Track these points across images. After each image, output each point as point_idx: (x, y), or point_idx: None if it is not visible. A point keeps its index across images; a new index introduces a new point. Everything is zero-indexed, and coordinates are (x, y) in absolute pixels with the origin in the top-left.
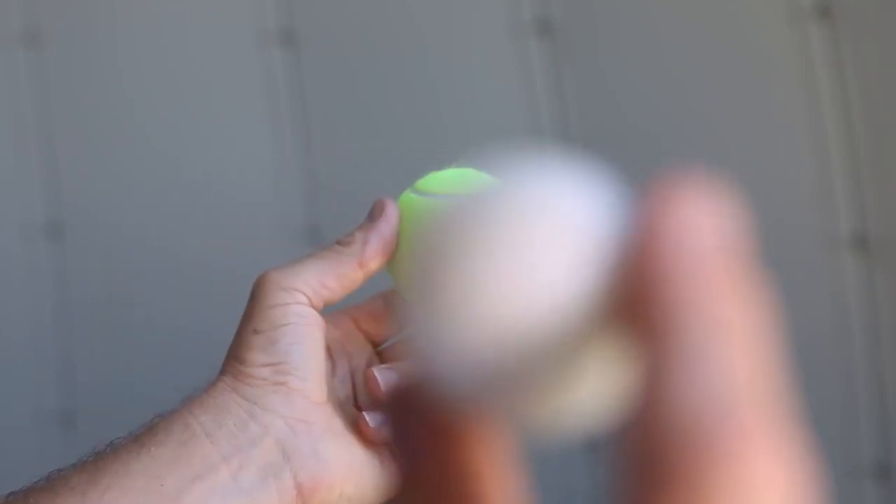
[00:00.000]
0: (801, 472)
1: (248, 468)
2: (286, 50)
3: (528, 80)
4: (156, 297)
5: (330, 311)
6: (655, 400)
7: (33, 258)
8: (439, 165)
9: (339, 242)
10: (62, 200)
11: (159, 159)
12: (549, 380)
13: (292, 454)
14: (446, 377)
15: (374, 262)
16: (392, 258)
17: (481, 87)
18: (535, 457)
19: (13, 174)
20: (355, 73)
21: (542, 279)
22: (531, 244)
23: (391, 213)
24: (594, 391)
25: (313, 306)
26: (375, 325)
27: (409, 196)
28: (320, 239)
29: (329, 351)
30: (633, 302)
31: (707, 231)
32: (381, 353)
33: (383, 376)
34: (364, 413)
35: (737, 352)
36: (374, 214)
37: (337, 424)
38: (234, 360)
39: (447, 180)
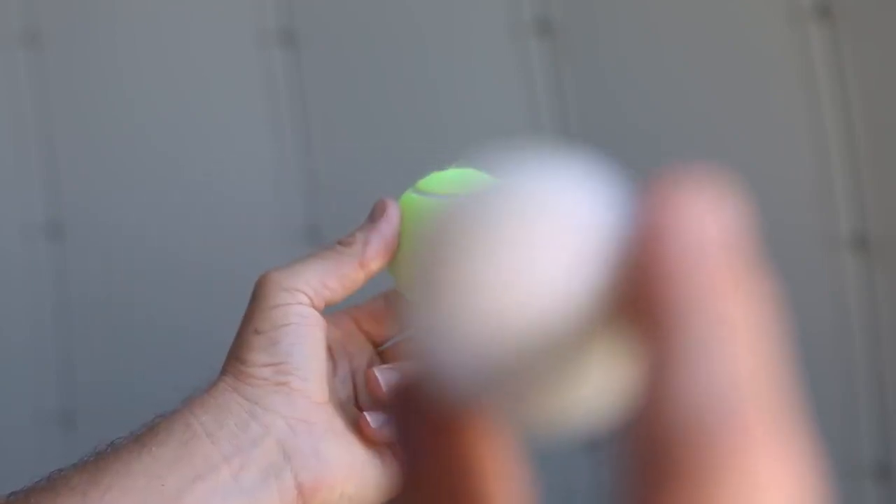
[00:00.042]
0: (805, 469)
1: (250, 468)
2: (286, 50)
3: (528, 80)
4: (156, 297)
5: (331, 312)
6: (659, 397)
7: (33, 258)
8: (440, 165)
9: (340, 242)
10: (62, 200)
11: (159, 159)
12: (551, 378)
13: (293, 454)
14: (448, 376)
15: (375, 263)
16: (393, 258)
17: (481, 87)
18: (536, 456)
19: (13, 174)
20: (355, 73)
21: (543, 278)
22: (533, 243)
23: (392, 213)
24: (597, 389)
25: (314, 307)
26: (376, 325)
27: (410, 196)
28: (320, 239)
29: (330, 351)
30: (636, 299)
31: (710, 228)
32: (382, 354)
33: (384, 376)
34: (365, 413)
35: (740, 349)
36: (375, 214)
37: (338, 424)
38: (235, 360)
39: (448, 180)
